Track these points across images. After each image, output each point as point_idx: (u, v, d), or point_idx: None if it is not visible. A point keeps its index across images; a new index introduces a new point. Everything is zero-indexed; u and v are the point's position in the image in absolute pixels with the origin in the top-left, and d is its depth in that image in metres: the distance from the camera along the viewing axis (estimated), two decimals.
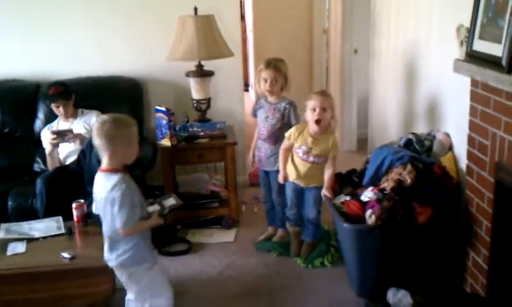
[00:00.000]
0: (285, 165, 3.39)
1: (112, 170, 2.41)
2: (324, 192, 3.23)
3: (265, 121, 3.51)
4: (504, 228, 2.55)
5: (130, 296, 2.61)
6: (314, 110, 3.17)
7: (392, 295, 2.70)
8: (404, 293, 2.65)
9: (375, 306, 2.79)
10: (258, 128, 3.60)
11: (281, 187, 3.55)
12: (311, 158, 3.28)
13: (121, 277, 2.56)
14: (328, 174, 3.25)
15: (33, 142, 4.08)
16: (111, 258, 2.50)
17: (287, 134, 3.33)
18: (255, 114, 3.63)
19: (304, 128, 3.27)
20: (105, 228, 2.46)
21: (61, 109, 3.80)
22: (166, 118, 3.82)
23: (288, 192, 3.45)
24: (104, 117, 2.43)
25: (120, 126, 2.40)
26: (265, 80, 3.43)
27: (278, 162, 3.46)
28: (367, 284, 2.94)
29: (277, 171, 3.51)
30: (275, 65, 3.41)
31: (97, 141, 2.38)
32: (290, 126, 3.41)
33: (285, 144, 3.36)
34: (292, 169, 3.36)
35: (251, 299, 3.10)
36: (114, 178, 2.38)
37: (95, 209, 2.52)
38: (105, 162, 2.42)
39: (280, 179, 3.43)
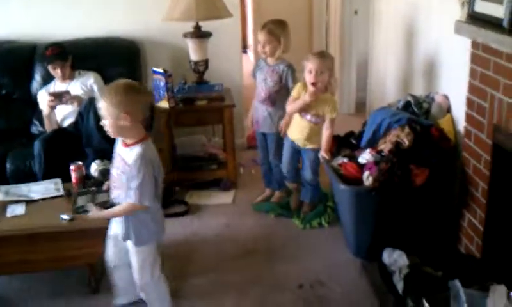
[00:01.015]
0: (289, 120, 3.40)
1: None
2: (322, 153, 3.23)
3: (264, 83, 3.50)
4: (500, 190, 2.57)
5: None
6: (311, 72, 3.16)
7: (388, 255, 2.73)
8: (400, 254, 2.68)
9: (371, 265, 2.82)
10: (257, 89, 3.59)
11: (279, 149, 3.56)
12: (308, 116, 3.28)
13: None
14: (325, 135, 3.25)
15: (30, 104, 4.05)
16: None
17: (293, 92, 3.32)
18: (254, 75, 3.62)
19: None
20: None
21: (58, 70, 3.77)
22: (163, 79, 3.79)
23: (286, 149, 3.47)
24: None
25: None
26: (259, 42, 3.45)
27: (276, 123, 3.48)
28: (364, 244, 2.98)
29: (275, 133, 3.52)
30: (269, 28, 3.41)
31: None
32: (287, 89, 3.42)
33: (291, 99, 3.34)
34: (293, 127, 3.38)
35: (249, 259, 3.14)
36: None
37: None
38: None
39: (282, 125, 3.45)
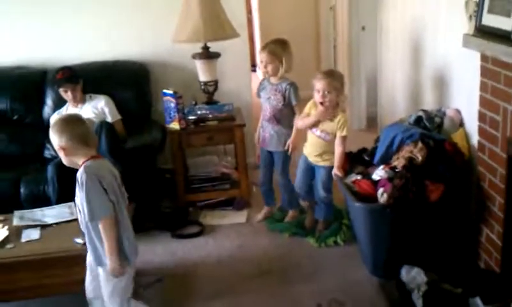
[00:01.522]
0: (297, 137, 3.47)
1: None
2: (335, 171, 3.23)
3: (268, 102, 3.54)
4: None
5: None
6: (318, 92, 3.19)
7: (406, 273, 2.70)
8: (418, 271, 2.65)
9: (388, 283, 2.79)
10: (262, 108, 3.62)
11: (286, 167, 3.61)
12: (318, 132, 3.30)
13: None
14: (337, 153, 3.25)
15: (42, 129, 4.06)
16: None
17: (305, 108, 3.37)
18: (259, 95, 3.65)
19: None
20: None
21: (69, 93, 3.80)
22: (173, 101, 3.81)
23: (299, 165, 3.51)
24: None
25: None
26: (261, 62, 3.49)
27: (283, 142, 3.52)
28: (380, 262, 2.95)
29: (282, 151, 3.56)
30: (270, 48, 3.45)
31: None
32: (291, 107, 3.47)
33: (302, 115, 3.38)
34: (307, 143, 3.42)
35: (264, 279, 3.12)
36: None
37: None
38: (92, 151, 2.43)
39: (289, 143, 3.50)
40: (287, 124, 3.51)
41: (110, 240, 2.32)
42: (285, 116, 3.51)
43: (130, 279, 2.49)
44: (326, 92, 3.16)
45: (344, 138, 3.24)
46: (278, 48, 3.44)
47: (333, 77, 3.23)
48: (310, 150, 3.39)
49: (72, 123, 2.43)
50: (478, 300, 2.19)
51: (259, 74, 7.79)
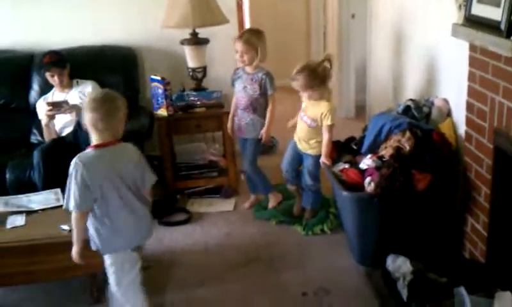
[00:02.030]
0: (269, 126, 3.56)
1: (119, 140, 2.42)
2: (323, 159, 3.23)
3: (244, 91, 3.56)
4: (502, 194, 2.55)
5: None
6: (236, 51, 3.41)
7: (392, 262, 2.72)
8: (404, 260, 2.66)
9: (375, 272, 2.81)
10: (237, 97, 3.63)
11: (255, 156, 3.65)
12: (305, 118, 3.35)
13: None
14: (324, 141, 3.26)
15: (29, 113, 4.04)
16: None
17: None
18: (233, 84, 3.66)
19: None
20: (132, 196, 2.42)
21: (56, 78, 3.75)
22: (161, 87, 3.78)
23: (288, 150, 3.54)
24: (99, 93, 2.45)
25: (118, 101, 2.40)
26: (237, 52, 3.49)
27: (258, 129, 3.56)
28: (367, 251, 2.96)
29: (254, 138, 3.60)
30: (246, 38, 3.46)
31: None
32: (266, 96, 3.51)
33: None
34: (297, 128, 3.45)
35: (251, 267, 3.12)
36: (130, 145, 2.47)
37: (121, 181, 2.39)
38: (104, 136, 2.37)
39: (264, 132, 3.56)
40: (262, 113, 3.56)
41: (76, 229, 2.37)
42: (260, 104, 3.55)
43: (130, 268, 2.47)
44: (303, 90, 3.25)
45: (329, 127, 3.24)
46: (253, 38, 3.46)
47: (305, 80, 3.20)
48: (299, 136, 3.42)
49: (94, 105, 2.36)
50: (462, 290, 2.21)
51: None
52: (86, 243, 2.64)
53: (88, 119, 2.34)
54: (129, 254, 2.46)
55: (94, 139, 2.39)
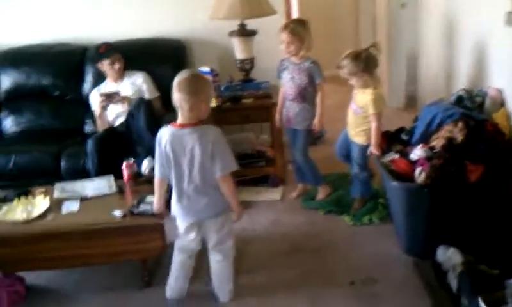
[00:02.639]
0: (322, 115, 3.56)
1: (197, 123, 2.52)
2: (372, 149, 3.21)
3: (292, 82, 3.55)
4: None
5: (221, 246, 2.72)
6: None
7: (442, 253, 2.67)
8: (454, 251, 2.62)
9: (423, 263, 2.77)
10: (285, 88, 3.62)
11: (306, 146, 3.64)
12: (353, 105, 3.37)
13: (213, 227, 2.66)
14: (372, 130, 3.25)
15: (82, 104, 4.17)
16: (201, 207, 2.60)
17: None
18: (279, 76, 3.65)
19: None
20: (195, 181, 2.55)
21: (115, 64, 3.85)
22: (210, 78, 3.82)
23: (342, 133, 3.58)
24: (185, 73, 2.55)
25: (202, 81, 2.55)
26: (282, 42, 3.48)
27: (308, 120, 3.55)
28: (416, 242, 2.92)
29: (304, 129, 3.58)
30: (291, 28, 3.45)
31: (178, 95, 2.47)
32: (314, 85, 3.50)
33: None
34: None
35: (298, 255, 3.13)
36: (210, 128, 2.54)
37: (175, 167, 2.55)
38: (185, 116, 2.50)
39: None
40: (311, 102, 3.55)
41: (156, 192, 2.66)
42: (309, 94, 3.53)
43: (181, 234, 2.70)
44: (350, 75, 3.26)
45: (375, 115, 3.22)
46: (298, 28, 3.46)
47: (353, 63, 3.23)
48: (348, 123, 3.44)
49: (180, 85, 2.49)
50: None
51: None
52: (139, 230, 2.75)
53: (174, 98, 2.50)
54: (184, 227, 2.66)
55: (179, 117, 2.53)
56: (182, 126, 2.52)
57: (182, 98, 2.46)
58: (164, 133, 2.56)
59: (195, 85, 2.49)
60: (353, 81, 3.28)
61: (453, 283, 2.48)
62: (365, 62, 3.21)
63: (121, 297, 2.88)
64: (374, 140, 3.22)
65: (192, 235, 2.67)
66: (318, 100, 3.53)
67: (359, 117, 3.32)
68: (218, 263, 2.73)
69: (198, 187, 2.56)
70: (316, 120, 3.55)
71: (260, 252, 3.19)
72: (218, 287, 2.76)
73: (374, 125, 3.23)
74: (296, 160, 3.72)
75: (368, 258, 3.03)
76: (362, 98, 3.28)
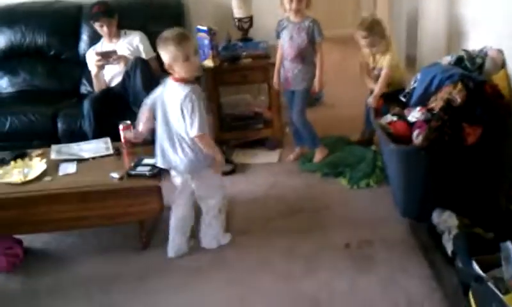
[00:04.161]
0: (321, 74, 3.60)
1: (183, 80, 2.59)
2: (370, 100, 3.40)
3: (291, 41, 3.51)
4: None
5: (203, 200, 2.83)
6: (363, 46, 3.53)
7: (437, 216, 2.68)
8: (450, 214, 2.62)
9: (419, 226, 2.78)
10: (284, 49, 3.58)
11: (304, 107, 3.64)
12: (377, 71, 3.59)
13: (190, 180, 2.76)
14: (378, 83, 3.46)
15: (78, 64, 4.12)
16: (176, 163, 2.67)
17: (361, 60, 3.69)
18: (278, 36, 3.61)
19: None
20: (179, 131, 2.62)
21: (105, 28, 3.80)
22: (208, 37, 3.77)
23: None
24: (166, 33, 2.61)
25: (175, 42, 2.55)
26: (291, 0, 3.41)
27: (308, 80, 3.56)
28: (412, 205, 2.92)
29: (303, 90, 3.58)
30: None
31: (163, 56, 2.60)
32: (314, 43, 3.49)
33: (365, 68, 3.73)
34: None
35: (294, 218, 3.15)
36: (186, 88, 2.57)
37: (160, 115, 2.67)
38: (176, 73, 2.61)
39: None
40: (310, 62, 3.53)
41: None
42: (309, 53, 3.51)
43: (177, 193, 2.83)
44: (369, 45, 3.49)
45: (386, 73, 3.46)
46: None
47: (373, 32, 3.46)
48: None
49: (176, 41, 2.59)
50: (509, 245, 2.15)
51: None
52: (136, 192, 2.76)
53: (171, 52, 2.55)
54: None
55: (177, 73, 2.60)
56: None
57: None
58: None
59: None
60: (374, 49, 3.50)
61: (448, 245, 2.50)
62: (381, 30, 3.45)
63: (119, 259, 2.90)
64: (376, 92, 3.39)
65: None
66: (318, 59, 3.50)
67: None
68: (203, 213, 2.87)
69: (173, 142, 2.66)
70: (316, 80, 3.53)
71: (257, 214, 3.20)
72: (202, 233, 2.90)
73: (381, 79, 3.44)
74: (294, 122, 3.70)
75: (365, 220, 3.05)
76: (381, 60, 3.51)
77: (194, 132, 2.56)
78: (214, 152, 2.69)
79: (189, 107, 2.54)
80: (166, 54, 2.58)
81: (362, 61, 3.70)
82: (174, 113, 2.61)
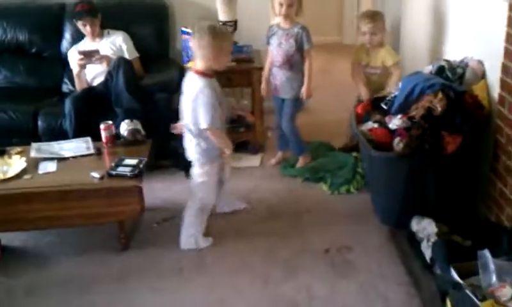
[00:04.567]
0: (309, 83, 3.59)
1: (202, 73, 2.71)
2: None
3: (279, 48, 3.51)
4: None
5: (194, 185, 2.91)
6: (364, 34, 3.55)
7: (416, 223, 2.71)
8: (429, 221, 2.66)
9: (399, 233, 2.81)
10: (272, 55, 3.59)
11: (294, 115, 3.64)
12: (371, 70, 3.67)
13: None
14: (393, 77, 3.59)
15: (60, 62, 4.09)
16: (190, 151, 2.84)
17: (354, 56, 3.75)
18: (268, 42, 3.61)
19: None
20: (187, 122, 2.78)
21: (87, 27, 3.77)
22: (191, 40, 3.76)
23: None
24: (204, 24, 2.73)
25: (217, 36, 2.66)
26: (281, 5, 3.41)
27: (296, 89, 3.55)
28: (392, 212, 2.95)
29: (292, 98, 3.58)
30: None
31: (192, 43, 2.76)
32: (302, 51, 3.48)
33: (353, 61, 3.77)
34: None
35: (275, 222, 3.16)
36: (202, 81, 2.69)
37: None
38: (197, 64, 2.74)
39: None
40: (298, 69, 3.52)
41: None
42: (297, 61, 3.51)
43: None
44: (372, 34, 3.52)
45: (395, 64, 3.57)
46: None
47: (376, 20, 3.59)
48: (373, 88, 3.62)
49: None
50: (487, 253, 2.19)
51: None
52: (117, 192, 2.74)
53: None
54: None
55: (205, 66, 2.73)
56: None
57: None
58: None
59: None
60: (374, 40, 3.56)
61: (427, 252, 2.53)
62: (383, 21, 3.61)
63: (98, 260, 2.87)
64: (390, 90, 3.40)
65: None
66: (306, 67, 3.50)
67: (378, 76, 3.62)
68: (184, 210, 2.93)
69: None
70: (304, 89, 3.53)
71: (237, 218, 3.20)
72: (181, 232, 2.94)
73: (396, 73, 3.53)
74: (283, 128, 3.70)
75: (345, 226, 3.07)
76: (377, 57, 3.59)
77: (204, 124, 2.68)
78: (225, 145, 2.81)
79: (202, 100, 2.67)
80: (212, 46, 2.65)
81: (354, 62, 3.74)
82: (186, 103, 2.74)
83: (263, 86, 3.70)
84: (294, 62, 3.50)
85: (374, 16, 3.60)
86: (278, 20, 3.54)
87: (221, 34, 2.71)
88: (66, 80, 4.05)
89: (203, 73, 2.72)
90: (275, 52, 3.54)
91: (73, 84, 3.90)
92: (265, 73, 3.67)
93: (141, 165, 2.88)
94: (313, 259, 2.80)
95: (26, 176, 2.87)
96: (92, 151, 3.10)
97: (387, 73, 3.60)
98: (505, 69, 2.67)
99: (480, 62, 3.02)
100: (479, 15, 3.05)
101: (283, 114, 3.66)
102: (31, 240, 3.06)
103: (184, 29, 3.84)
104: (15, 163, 2.95)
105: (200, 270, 2.75)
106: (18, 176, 2.86)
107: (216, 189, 2.97)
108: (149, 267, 2.79)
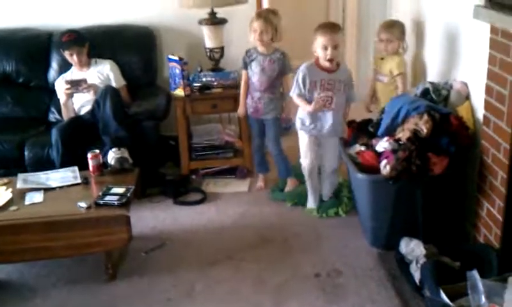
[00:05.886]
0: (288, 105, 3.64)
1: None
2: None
3: (262, 73, 3.55)
4: None
5: None
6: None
7: (405, 245, 2.71)
8: (417, 243, 2.66)
9: (388, 255, 2.81)
10: (253, 80, 3.61)
11: (278, 135, 3.70)
12: (380, 77, 3.71)
13: None
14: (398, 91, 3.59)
15: (47, 92, 4.09)
16: None
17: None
18: (246, 67, 3.63)
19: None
20: None
21: (74, 57, 3.78)
22: (179, 67, 3.79)
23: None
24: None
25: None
26: (255, 31, 3.48)
27: (279, 109, 3.62)
28: (381, 234, 2.96)
29: (276, 117, 3.63)
30: (265, 16, 3.48)
31: None
32: (283, 76, 3.59)
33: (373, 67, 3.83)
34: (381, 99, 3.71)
35: (265, 247, 3.14)
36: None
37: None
38: None
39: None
40: (278, 90, 3.63)
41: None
42: (277, 83, 3.60)
43: None
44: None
45: (400, 75, 3.54)
46: (272, 16, 3.49)
47: (395, 27, 3.61)
48: (381, 97, 3.69)
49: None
50: (475, 274, 2.19)
51: None
52: (104, 222, 2.71)
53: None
54: None
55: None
56: None
57: None
58: None
59: None
60: (389, 48, 3.55)
61: (416, 274, 2.53)
62: (401, 31, 3.58)
63: (85, 291, 2.83)
64: (400, 90, 3.49)
65: None
66: (284, 91, 3.57)
67: (385, 85, 3.63)
68: None
69: None
70: (285, 111, 3.63)
71: (227, 244, 3.18)
72: None
73: (399, 83, 3.51)
74: (270, 151, 3.73)
75: (334, 250, 3.06)
76: (386, 65, 3.59)
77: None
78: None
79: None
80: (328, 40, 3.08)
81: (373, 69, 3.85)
82: None
83: (240, 108, 3.73)
84: (275, 85, 3.60)
85: (392, 25, 3.61)
86: (254, 42, 3.56)
87: None
88: (53, 109, 4.04)
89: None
90: (257, 77, 3.56)
91: (60, 114, 3.90)
92: (242, 96, 3.70)
93: (129, 194, 2.86)
94: (303, 284, 2.78)
95: (12, 208, 2.84)
96: (79, 180, 3.09)
97: (394, 84, 3.59)
98: (488, 90, 2.70)
99: (465, 84, 3.05)
100: (463, 37, 3.09)
101: (269, 137, 3.68)
102: (16, 272, 3.01)
103: (170, 56, 3.85)
104: (1, 194, 2.93)
105: (188, 301, 2.72)
106: (4, 207, 2.83)
107: None
108: (137, 297, 2.75)
